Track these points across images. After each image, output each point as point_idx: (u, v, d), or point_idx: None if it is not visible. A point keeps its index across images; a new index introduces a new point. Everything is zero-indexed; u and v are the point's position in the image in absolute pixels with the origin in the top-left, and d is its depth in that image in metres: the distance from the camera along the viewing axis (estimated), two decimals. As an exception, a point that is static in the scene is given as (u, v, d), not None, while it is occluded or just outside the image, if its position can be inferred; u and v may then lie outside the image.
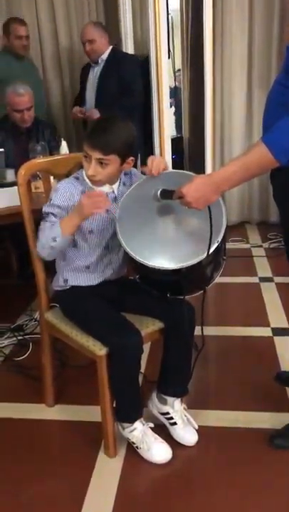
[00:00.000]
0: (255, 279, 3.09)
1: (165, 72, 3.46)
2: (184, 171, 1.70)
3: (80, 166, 1.69)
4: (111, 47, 3.30)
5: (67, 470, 1.65)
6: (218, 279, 1.67)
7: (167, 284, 1.61)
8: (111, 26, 3.72)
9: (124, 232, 1.54)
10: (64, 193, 1.62)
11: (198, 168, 3.90)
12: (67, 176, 1.75)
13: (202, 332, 1.64)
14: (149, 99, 3.20)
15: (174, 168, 3.66)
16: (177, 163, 4.01)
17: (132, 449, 1.69)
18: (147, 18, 3.33)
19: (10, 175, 2.52)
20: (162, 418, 1.76)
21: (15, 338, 2.49)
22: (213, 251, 1.46)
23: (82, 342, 1.63)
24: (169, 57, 3.74)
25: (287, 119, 1.28)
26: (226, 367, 2.21)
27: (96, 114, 3.13)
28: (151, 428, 1.69)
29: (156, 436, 1.68)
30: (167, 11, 3.58)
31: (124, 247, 1.52)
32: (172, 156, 3.72)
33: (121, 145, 1.55)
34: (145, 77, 3.21)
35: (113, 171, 1.59)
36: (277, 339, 2.39)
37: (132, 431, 1.65)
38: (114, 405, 1.65)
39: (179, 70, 4.25)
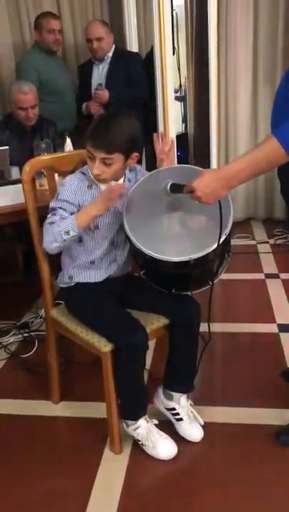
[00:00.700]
0: (260, 276, 3.08)
1: (170, 69, 3.45)
2: (192, 166, 1.69)
3: (85, 163, 1.69)
4: (114, 45, 3.30)
5: (73, 466, 1.66)
6: (224, 276, 1.67)
7: (173, 279, 1.61)
8: (115, 23, 3.71)
9: (131, 226, 1.54)
10: (71, 187, 1.62)
11: (204, 164, 3.89)
12: (71, 173, 1.75)
13: (209, 328, 1.64)
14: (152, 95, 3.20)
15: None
16: (182, 160, 4.00)
17: (137, 446, 1.69)
18: (151, 15, 3.33)
19: (15, 172, 2.52)
20: (168, 414, 1.76)
21: (21, 336, 2.50)
22: (221, 244, 1.46)
23: (87, 339, 1.63)
24: (173, 54, 3.73)
25: None
26: (231, 363, 2.21)
27: (106, 95, 3.17)
28: (156, 425, 1.69)
29: (161, 432, 1.68)
30: (172, 6, 3.57)
31: (131, 239, 1.52)
32: (177, 153, 3.71)
33: (124, 142, 1.54)
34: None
35: (118, 168, 1.59)
36: (283, 335, 2.38)
37: (136, 428, 1.65)
38: (118, 402, 1.66)
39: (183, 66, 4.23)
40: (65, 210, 1.60)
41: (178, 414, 1.73)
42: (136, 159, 1.63)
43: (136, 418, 1.65)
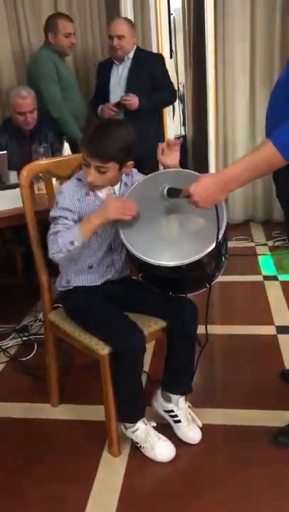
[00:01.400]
0: (259, 278, 3.09)
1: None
2: (189, 171, 1.70)
3: (81, 168, 1.70)
4: (136, 46, 3.22)
5: (71, 469, 1.67)
6: (223, 278, 1.67)
7: (169, 282, 1.62)
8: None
9: (127, 231, 1.55)
10: (69, 195, 1.63)
11: (202, 166, 3.91)
12: (69, 177, 1.76)
13: (206, 330, 1.64)
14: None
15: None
16: (181, 163, 4.01)
17: (135, 448, 1.70)
18: (149, 18, 3.35)
19: (13, 177, 2.54)
20: (166, 416, 1.77)
21: (20, 339, 2.51)
22: (216, 247, 1.47)
23: (86, 342, 1.64)
24: (171, 57, 3.75)
25: None
26: (230, 365, 2.21)
27: (136, 102, 3.07)
28: (154, 427, 1.69)
29: (160, 435, 1.68)
30: (169, 10, 3.60)
31: (126, 246, 1.53)
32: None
33: (119, 152, 1.56)
34: None
35: (112, 176, 1.61)
36: (281, 337, 2.39)
37: (134, 431, 1.66)
38: (117, 405, 1.67)
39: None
40: (66, 218, 1.61)
41: (176, 416, 1.74)
42: (131, 167, 1.65)
43: (134, 421, 1.66)
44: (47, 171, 1.80)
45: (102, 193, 1.67)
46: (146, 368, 2.02)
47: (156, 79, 3.18)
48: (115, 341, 1.56)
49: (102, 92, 3.27)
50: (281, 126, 1.30)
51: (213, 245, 1.46)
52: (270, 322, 2.54)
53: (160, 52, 3.46)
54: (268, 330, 2.47)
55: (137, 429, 1.66)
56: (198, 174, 1.54)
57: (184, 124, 4.29)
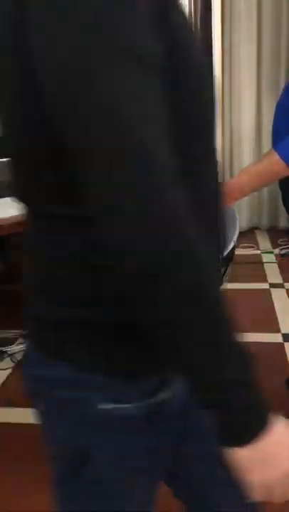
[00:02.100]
0: (265, 285, 3.09)
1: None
2: None
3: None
4: None
5: (78, 475, 1.67)
6: (229, 286, 1.68)
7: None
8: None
9: None
10: None
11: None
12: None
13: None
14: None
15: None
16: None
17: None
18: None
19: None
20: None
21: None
22: (225, 258, 1.48)
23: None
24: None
25: None
26: (236, 373, 2.21)
27: None
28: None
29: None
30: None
31: None
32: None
33: None
34: None
35: None
36: (287, 345, 2.38)
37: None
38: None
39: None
40: None
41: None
42: None
43: None
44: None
45: None
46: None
47: None
48: None
49: None
50: (286, 137, 1.32)
51: (225, 252, 1.47)
52: (277, 330, 2.54)
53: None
54: (274, 338, 2.47)
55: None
56: None
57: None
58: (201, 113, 0.62)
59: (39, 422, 0.79)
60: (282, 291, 3.00)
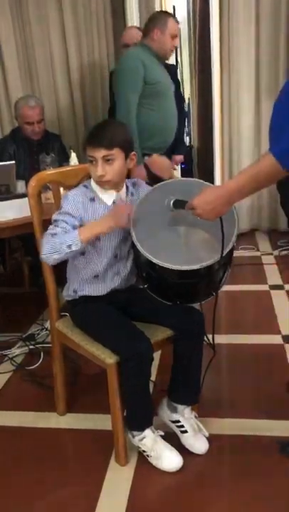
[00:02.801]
0: (265, 287, 3.08)
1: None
2: (196, 179, 1.72)
3: (89, 177, 1.72)
4: None
5: (78, 478, 1.66)
6: (229, 287, 1.68)
7: (177, 290, 1.62)
8: (119, 38, 3.78)
9: (137, 238, 1.57)
10: (74, 201, 1.65)
11: (207, 177, 3.92)
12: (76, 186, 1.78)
13: (213, 341, 1.65)
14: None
15: (182, 176, 3.69)
16: (187, 172, 4.04)
17: (142, 458, 1.70)
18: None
19: (20, 186, 2.56)
20: (173, 426, 1.76)
21: (27, 348, 2.52)
22: (225, 257, 1.48)
23: (92, 351, 1.65)
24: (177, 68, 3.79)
25: None
26: (236, 375, 2.21)
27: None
28: (161, 436, 1.69)
29: (167, 444, 1.68)
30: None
31: (139, 249, 1.54)
32: (182, 165, 3.75)
33: (122, 138, 1.61)
34: None
35: (120, 167, 1.62)
36: (288, 346, 2.38)
37: (142, 439, 1.66)
38: (124, 414, 1.67)
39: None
40: (66, 222, 1.62)
41: (182, 426, 1.73)
42: (134, 159, 1.68)
43: (142, 429, 1.66)
44: (55, 180, 1.82)
45: (107, 200, 1.69)
46: (152, 377, 2.02)
47: (177, 92, 3.16)
48: (122, 350, 1.57)
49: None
50: (281, 138, 1.32)
51: (226, 252, 1.47)
52: (277, 331, 2.54)
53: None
54: (275, 339, 2.47)
55: (144, 437, 1.65)
56: (205, 183, 1.56)
57: (189, 135, 4.32)
58: None
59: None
60: (282, 293, 2.99)
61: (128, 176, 1.75)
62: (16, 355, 2.46)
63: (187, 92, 4.20)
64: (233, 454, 1.72)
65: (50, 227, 1.63)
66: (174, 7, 3.54)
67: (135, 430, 1.67)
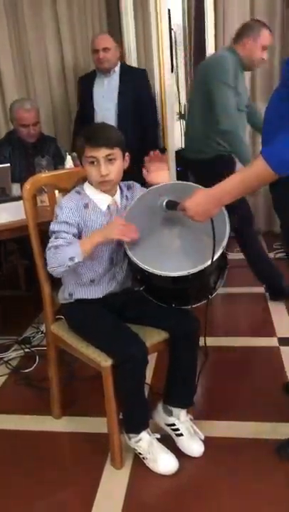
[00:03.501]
0: (261, 289, 3.08)
1: (169, 87, 3.52)
2: (188, 183, 1.73)
3: (84, 180, 1.72)
4: (119, 61, 3.33)
5: (74, 481, 1.66)
6: (225, 290, 1.68)
7: (172, 294, 1.63)
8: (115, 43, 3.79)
9: (131, 244, 1.57)
10: (68, 208, 1.65)
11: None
12: (72, 190, 1.78)
13: (205, 344, 1.65)
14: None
15: (178, 179, 3.70)
16: (182, 175, 4.04)
17: (138, 461, 1.69)
18: (150, 34, 3.40)
19: (16, 189, 2.56)
20: (168, 429, 1.76)
21: (22, 351, 2.51)
22: (218, 258, 1.48)
23: (88, 354, 1.65)
24: (172, 72, 3.79)
25: (286, 131, 1.30)
26: (232, 377, 2.21)
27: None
28: (157, 439, 1.69)
29: (163, 447, 1.68)
30: (170, 26, 3.65)
31: (130, 256, 1.54)
32: (177, 168, 3.76)
33: (120, 138, 1.63)
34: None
35: (120, 167, 1.65)
36: (283, 349, 2.38)
37: (138, 441, 1.66)
38: (120, 416, 1.66)
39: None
40: (66, 232, 1.62)
41: (178, 429, 1.73)
42: (128, 160, 1.69)
43: (138, 431, 1.66)
44: (50, 183, 1.82)
45: (102, 205, 1.69)
46: (148, 380, 2.02)
47: (142, 96, 3.32)
48: (117, 352, 1.57)
49: (88, 104, 3.33)
50: (272, 142, 1.32)
51: (216, 256, 1.47)
52: (272, 334, 2.54)
53: (161, 67, 3.52)
54: (270, 342, 2.47)
55: (140, 440, 1.65)
56: (198, 186, 1.57)
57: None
58: None
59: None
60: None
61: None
62: (12, 359, 2.46)
63: (183, 95, 4.21)
64: (228, 456, 1.72)
65: (51, 239, 1.64)
66: (168, 11, 3.54)
67: (131, 433, 1.67)
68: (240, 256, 3.64)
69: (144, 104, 3.35)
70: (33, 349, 2.52)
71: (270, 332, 2.56)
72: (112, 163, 1.61)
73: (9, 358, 2.46)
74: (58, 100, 3.85)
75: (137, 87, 3.30)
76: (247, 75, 3.76)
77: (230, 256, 3.37)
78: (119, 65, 3.32)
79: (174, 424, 1.74)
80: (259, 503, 1.52)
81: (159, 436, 1.70)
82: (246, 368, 2.27)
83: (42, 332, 2.63)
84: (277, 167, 1.28)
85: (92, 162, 1.60)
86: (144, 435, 1.66)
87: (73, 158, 2.60)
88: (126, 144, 1.67)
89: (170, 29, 3.63)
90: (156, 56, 3.48)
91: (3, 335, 2.65)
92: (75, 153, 2.21)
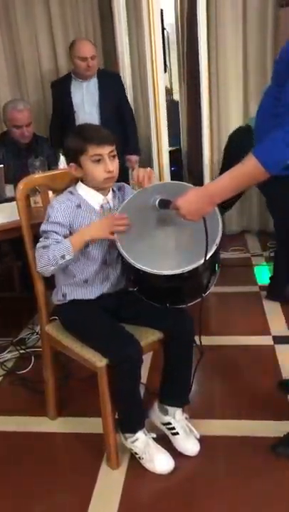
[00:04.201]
0: (255, 288, 3.10)
1: (162, 87, 3.52)
2: (180, 182, 1.74)
3: (76, 181, 1.72)
4: None
5: (70, 482, 1.66)
6: (219, 289, 1.68)
7: (166, 293, 1.63)
8: (108, 44, 3.79)
9: (124, 242, 1.57)
10: (60, 209, 1.64)
11: (197, 178, 3.94)
12: (65, 189, 1.77)
13: (200, 341, 1.65)
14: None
15: (172, 179, 3.71)
16: (176, 175, 4.05)
17: (134, 460, 1.70)
18: (143, 34, 3.41)
19: (9, 190, 2.56)
20: (164, 428, 1.76)
21: (17, 352, 2.50)
22: (210, 258, 1.49)
23: (83, 354, 1.64)
24: (165, 72, 3.80)
25: (278, 130, 1.30)
26: (227, 376, 2.21)
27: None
28: (153, 438, 1.69)
29: (159, 446, 1.68)
30: (162, 25, 3.65)
31: (123, 255, 1.54)
32: (171, 167, 3.77)
33: (113, 136, 1.66)
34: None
35: (117, 163, 1.67)
36: (278, 347, 2.39)
37: (134, 441, 1.66)
38: (116, 416, 1.66)
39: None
40: (57, 232, 1.62)
41: (173, 428, 1.73)
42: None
43: (134, 431, 1.66)
44: (43, 184, 1.82)
45: (95, 204, 1.69)
46: (144, 379, 2.02)
47: (121, 99, 3.41)
48: (112, 353, 1.57)
49: (66, 110, 3.32)
50: (263, 141, 1.33)
51: (209, 255, 1.48)
52: (267, 332, 2.55)
53: (154, 67, 3.52)
54: (265, 340, 2.48)
55: (136, 440, 1.65)
56: (190, 186, 1.57)
57: (178, 137, 4.33)
58: None
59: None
60: (272, 294, 3.00)
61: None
62: (7, 360, 2.45)
63: (176, 95, 4.22)
64: (224, 455, 1.73)
65: (41, 239, 1.63)
66: (161, 11, 3.54)
67: (128, 432, 1.67)
68: (235, 255, 3.65)
69: (124, 108, 3.42)
70: (28, 350, 2.51)
71: (265, 330, 2.57)
72: (114, 159, 1.64)
73: (5, 359, 2.45)
74: (51, 101, 3.84)
75: (116, 91, 3.37)
76: (240, 75, 3.79)
77: (225, 255, 3.42)
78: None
79: (169, 423, 1.74)
80: (256, 501, 1.52)
81: (155, 435, 1.70)
82: (241, 367, 2.27)
83: (37, 333, 2.63)
84: (268, 166, 1.29)
85: (98, 160, 1.61)
86: (140, 435, 1.66)
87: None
88: None
89: (163, 29, 3.63)
90: (149, 56, 3.48)
91: (-1, 336, 2.65)
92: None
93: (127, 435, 1.67)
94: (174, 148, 4.16)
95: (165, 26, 3.86)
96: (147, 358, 2.19)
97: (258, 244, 3.89)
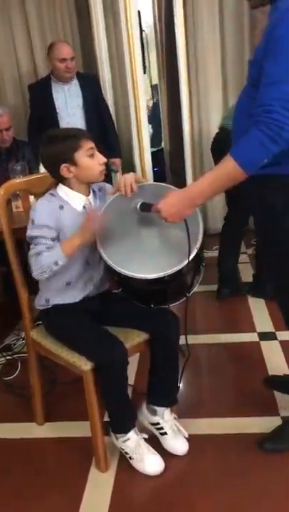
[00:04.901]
0: (240, 286, 3.11)
1: (142, 87, 3.52)
2: (162, 184, 1.73)
3: (56, 184, 1.71)
4: None
5: (59, 487, 1.65)
6: (203, 287, 1.69)
7: (150, 294, 1.63)
8: (86, 45, 3.78)
9: (106, 245, 1.56)
10: (44, 211, 1.63)
11: (179, 177, 3.95)
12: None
13: (186, 341, 1.66)
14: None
15: (155, 180, 3.71)
16: (159, 176, 4.05)
17: (123, 462, 1.69)
18: (121, 36, 3.40)
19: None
20: (152, 429, 1.77)
21: (3, 358, 2.49)
22: (193, 258, 1.49)
23: (68, 358, 1.64)
24: (144, 72, 3.80)
25: (253, 130, 1.31)
26: (215, 374, 2.23)
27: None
28: (144, 439, 1.69)
29: (150, 447, 1.68)
30: (140, 26, 3.65)
31: (105, 260, 1.54)
32: (154, 168, 3.77)
33: None
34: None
35: None
36: (263, 344, 2.41)
37: (125, 441, 1.66)
38: (105, 419, 1.66)
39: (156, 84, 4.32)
40: (45, 237, 1.61)
41: (162, 428, 1.74)
42: None
43: (126, 431, 1.66)
44: (24, 189, 1.81)
45: (77, 206, 1.68)
46: (131, 381, 2.02)
47: (99, 99, 3.41)
48: (97, 356, 1.56)
49: (48, 113, 3.28)
50: (239, 141, 1.34)
51: (192, 256, 1.48)
52: (253, 329, 2.57)
53: (133, 68, 3.52)
54: (250, 337, 2.50)
55: (128, 439, 1.65)
56: (171, 187, 1.58)
57: (160, 137, 4.34)
58: None
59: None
60: (257, 291, 3.02)
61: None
62: (-4, 365, 2.43)
63: (156, 95, 4.23)
64: (213, 453, 1.74)
65: (31, 246, 1.62)
66: (139, 12, 3.54)
67: (120, 433, 1.67)
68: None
69: (103, 108, 3.42)
70: (14, 356, 2.50)
71: (250, 327, 2.59)
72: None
73: (-7, 364, 2.44)
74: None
75: (95, 91, 3.38)
76: (218, 74, 3.81)
77: (209, 254, 3.43)
78: None
79: (158, 423, 1.74)
80: (246, 497, 1.53)
81: (146, 436, 1.70)
82: (227, 364, 2.29)
83: (23, 338, 2.61)
84: (246, 166, 1.30)
85: (91, 154, 1.63)
86: (132, 435, 1.66)
87: None
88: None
89: (141, 30, 3.64)
90: (128, 58, 3.48)
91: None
92: None
93: (119, 435, 1.67)
94: (156, 148, 4.17)
95: (144, 28, 3.87)
96: (134, 360, 2.19)
97: (242, 242, 3.90)
